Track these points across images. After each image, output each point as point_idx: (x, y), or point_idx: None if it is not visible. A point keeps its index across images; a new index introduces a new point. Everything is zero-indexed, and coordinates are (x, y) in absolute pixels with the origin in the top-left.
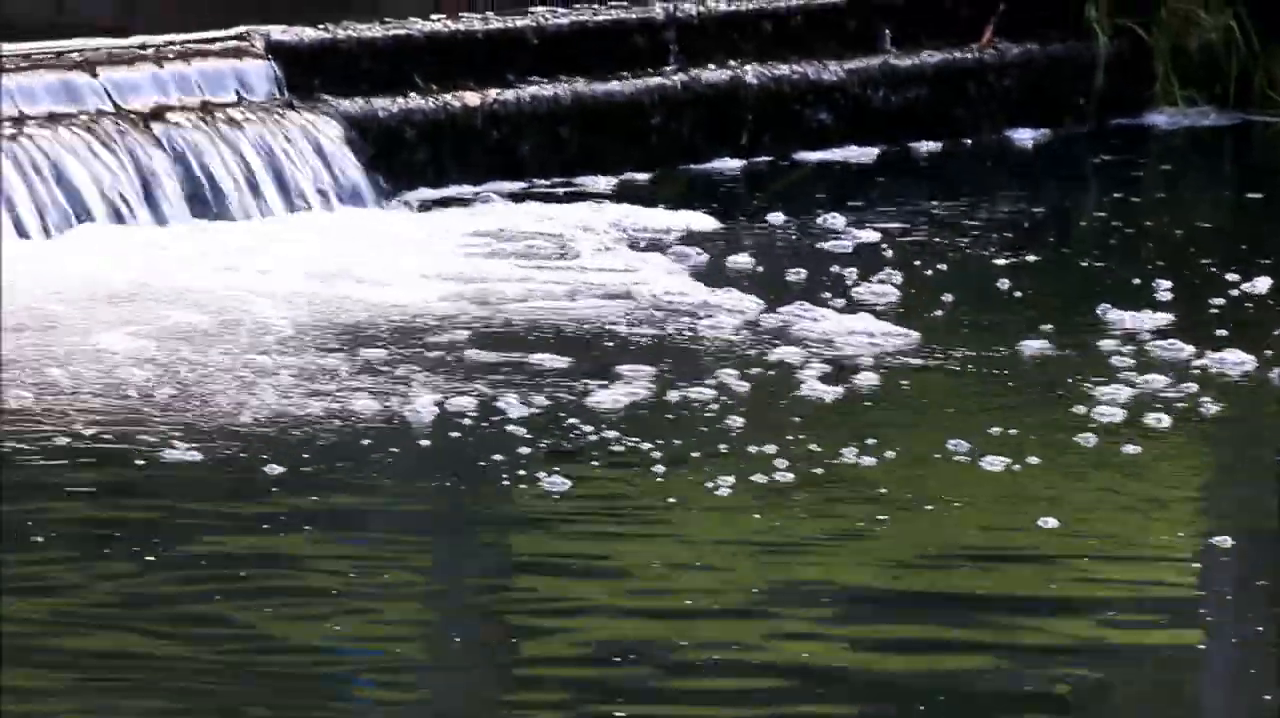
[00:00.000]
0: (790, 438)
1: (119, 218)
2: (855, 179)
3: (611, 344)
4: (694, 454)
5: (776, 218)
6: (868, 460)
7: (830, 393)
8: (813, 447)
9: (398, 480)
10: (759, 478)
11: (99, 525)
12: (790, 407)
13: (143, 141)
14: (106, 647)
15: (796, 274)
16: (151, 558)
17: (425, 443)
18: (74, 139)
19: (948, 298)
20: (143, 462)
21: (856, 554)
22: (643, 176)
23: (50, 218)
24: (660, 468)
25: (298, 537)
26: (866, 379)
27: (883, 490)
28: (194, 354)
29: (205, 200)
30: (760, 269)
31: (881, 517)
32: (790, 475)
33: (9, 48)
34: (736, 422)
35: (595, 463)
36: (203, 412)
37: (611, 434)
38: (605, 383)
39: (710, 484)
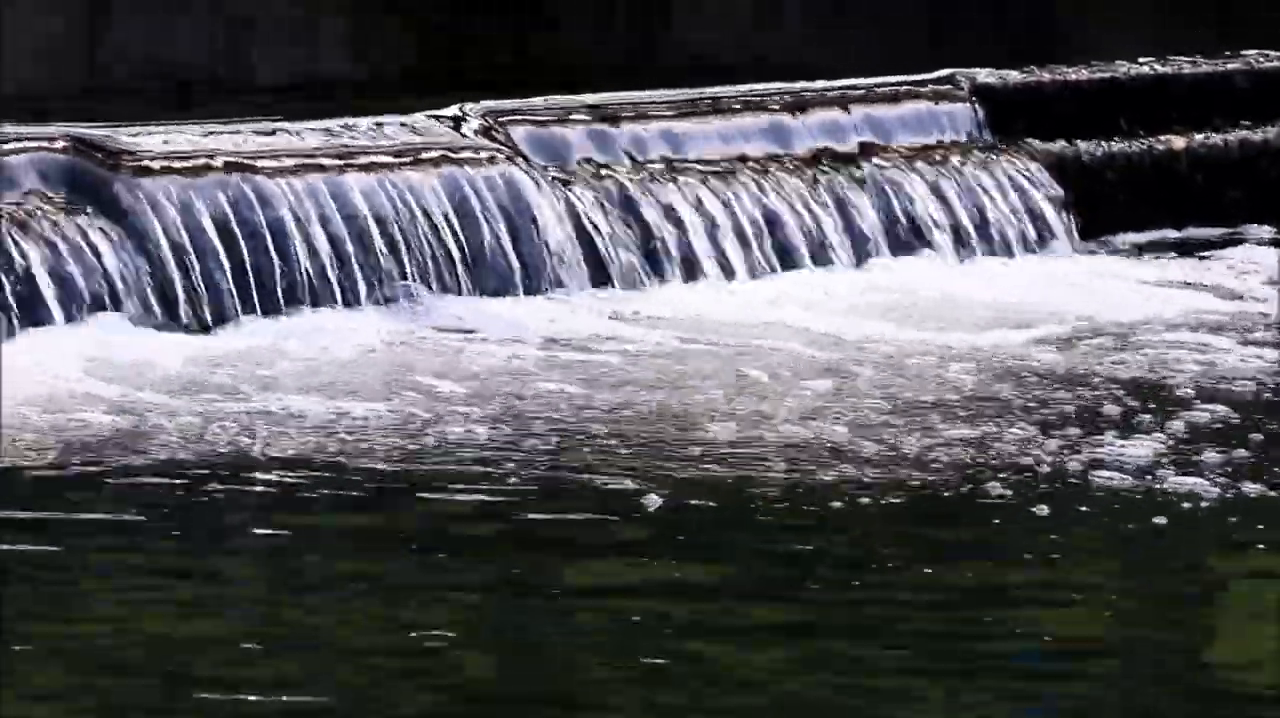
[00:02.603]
0: None
1: (822, 260)
2: None
3: None
4: None
5: None
6: None
7: None
8: None
9: None
10: None
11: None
12: None
13: (846, 183)
14: None
15: None
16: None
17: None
18: (784, 179)
19: None
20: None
21: None
22: None
23: (757, 261)
24: None
25: None
26: None
27: None
28: None
29: (907, 242)
30: None
31: None
32: None
33: (719, 90)
34: None
35: None
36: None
37: None
38: None
39: None
